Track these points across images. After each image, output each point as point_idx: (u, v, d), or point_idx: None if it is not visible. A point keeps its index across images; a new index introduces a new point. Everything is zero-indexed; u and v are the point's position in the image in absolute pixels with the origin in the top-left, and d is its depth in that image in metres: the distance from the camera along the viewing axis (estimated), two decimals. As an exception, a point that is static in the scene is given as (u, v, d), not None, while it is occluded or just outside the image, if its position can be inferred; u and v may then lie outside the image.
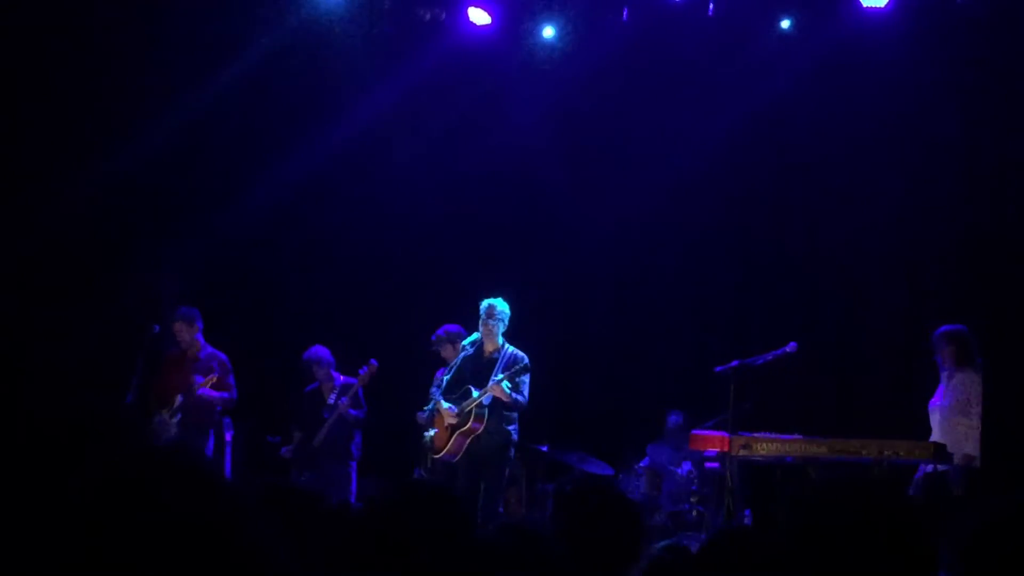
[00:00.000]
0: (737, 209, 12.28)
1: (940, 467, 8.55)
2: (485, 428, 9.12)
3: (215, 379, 9.92)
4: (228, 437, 10.15)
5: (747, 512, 9.58)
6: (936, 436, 8.72)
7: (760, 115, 11.77)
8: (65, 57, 10.99)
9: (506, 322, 9.31)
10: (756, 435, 8.93)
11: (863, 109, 11.55)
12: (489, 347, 9.33)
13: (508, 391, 9.01)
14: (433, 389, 9.68)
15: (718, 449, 9.16)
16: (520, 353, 9.29)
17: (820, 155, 11.84)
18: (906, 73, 11.19)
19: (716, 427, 9.45)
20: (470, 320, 9.53)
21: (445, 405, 9.30)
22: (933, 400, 8.91)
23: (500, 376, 9.02)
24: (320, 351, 10.61)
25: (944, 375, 8.89)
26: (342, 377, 10.57)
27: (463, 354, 9.40)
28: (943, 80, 11.11)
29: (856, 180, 11.68)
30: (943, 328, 8.94)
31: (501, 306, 9.29)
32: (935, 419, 8.84)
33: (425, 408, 9.70)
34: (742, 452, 8.82)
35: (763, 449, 8.84)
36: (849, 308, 11.64)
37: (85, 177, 11.14)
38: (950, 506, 8.42)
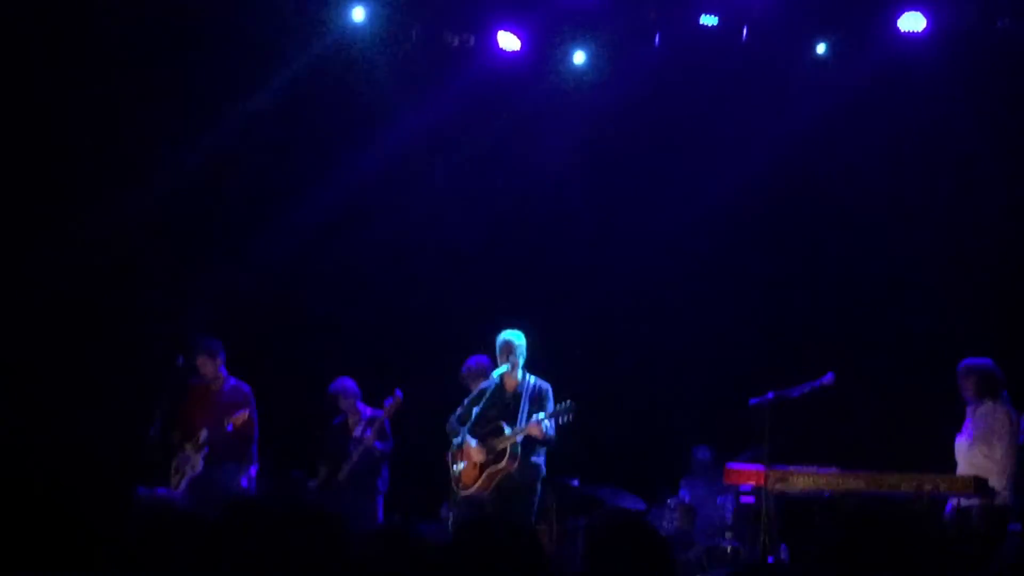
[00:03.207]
0: (770, 238, 12.12)
1: (964, 501, 8.40)
2: (518, 465, 8.99)
3: (246, 416, 9.76)
4: (252, 472, 9.99)
5: (783, 547, 9.40)
6: (960, 470, 8.63)
7: (794, 141, 11.61)
8: (93, 87, 10.97)
9: (524, 354, 9.17)
10: (792, 468, 8.79)
11: (900, 135, 11.44)
12: (511, 382, 9.18)
13: (546, 430, 8.87)
14: (454, 422, 9.41)
15: (754, 483, 9.03)
16: (544, 383, 9.17)
17: (856, 182, 11.67)
18: (944, 98, 11.05)
19: (751, 460, 9.29)
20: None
21: (473, 443, 9.12)
22: (959, 435, 8.82)
23: (542, 415, 8.88)
24: (346, 383, 10.51)
25: (969, 409, 8.81)
26: (369, 409, 10.44)
27: (489, 385, 9.18)
28: (982, 106, 10.98)
29: (893, 207, 11.53)
30: (965, 361, 8.87)
31: (517, 340, 9.15)
32: (959, 453, 8.75)
33: (455, 442, 9.48)
34: (778, 486, 8.69)
35: (800, 483, 8.73)
36: (887, 339, 11.45)
37: (111, 207, 11.11)
38: (971, 542, 8.26)
